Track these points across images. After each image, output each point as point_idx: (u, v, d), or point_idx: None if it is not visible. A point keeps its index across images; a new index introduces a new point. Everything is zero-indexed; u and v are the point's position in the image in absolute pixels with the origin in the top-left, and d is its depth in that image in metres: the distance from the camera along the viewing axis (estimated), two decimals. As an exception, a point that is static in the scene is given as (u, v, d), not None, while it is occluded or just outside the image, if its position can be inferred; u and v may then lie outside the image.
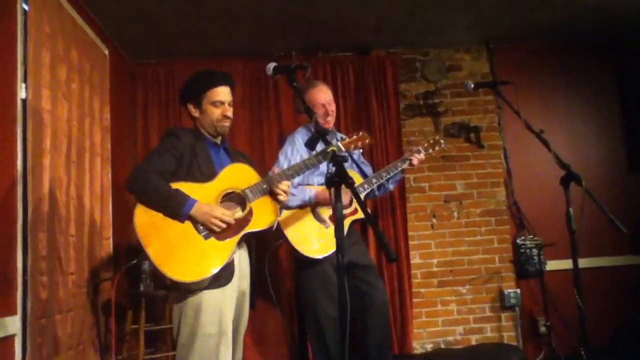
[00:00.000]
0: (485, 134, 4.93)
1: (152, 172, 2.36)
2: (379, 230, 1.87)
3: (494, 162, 4.92)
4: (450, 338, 4.65)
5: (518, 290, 4.68)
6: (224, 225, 2.35)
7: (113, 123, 4.10)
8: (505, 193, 4.89)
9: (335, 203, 1.94)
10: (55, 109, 3.13)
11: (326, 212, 3.26)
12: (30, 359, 2.68)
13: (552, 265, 4.65)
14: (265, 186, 2.50)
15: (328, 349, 3.18)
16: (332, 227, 3.13)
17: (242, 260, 2.52)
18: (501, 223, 4.83)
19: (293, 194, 3.18)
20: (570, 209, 2.76)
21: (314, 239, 3.19)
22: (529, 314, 4.72)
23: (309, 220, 3.25)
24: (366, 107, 4.77)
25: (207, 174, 2.46)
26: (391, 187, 3.66)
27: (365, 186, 3.37)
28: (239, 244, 2.45)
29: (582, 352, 2.90)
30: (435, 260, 4.75)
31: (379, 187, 3.51)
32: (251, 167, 2.59)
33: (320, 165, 3.17)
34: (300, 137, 3.38)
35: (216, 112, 2.57)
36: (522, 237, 4.75)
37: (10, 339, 2.64)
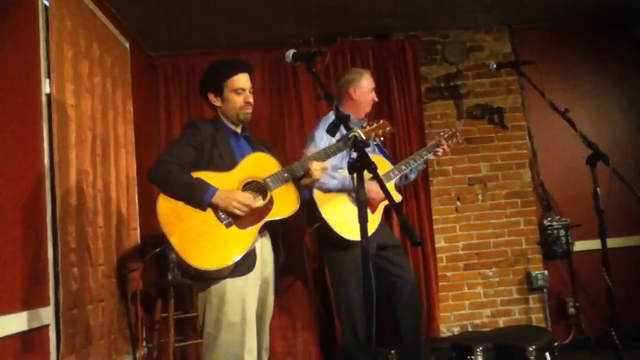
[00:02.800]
0: (508, 115, 4.86)
1: (172, 163, 2.38)
2: (403, 215, 1.86)
3: (519, 143, 4.86)
4: (477, 321, 4.63)
5: (545, 272, 4.63)
6: (246, 209, 2.36)
7: (136, 115, 4.15)
8: (531, 174, 4.82)
9: (358, 189, 1.94)
10: (79, 103, 3.18)
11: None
12: (64, 348, 2.75)
13: (579, 245, 4.59)
14: (286, 175, 2.50)
15: (357, 330, 3.21)
16: (368, 211, 3.21)
17: (264, 249, 2.53)
18: (527, 204, 4.78)
19: (334, 177, 3.22)
20: (598, 189, 2.72)
21: (350, 221, 3.18)
22: (557, 296, 4.68)
23: (346, 203, 3.27)
24: (387, 92, 4.73)
25: (228, 163, 2.47)
26: (412, 176, 3.71)
27: (395, 172, 3.42)
28: (260, 233, 2.47)
29: (613, 333, 2.88)
30: (460, 244, 4.72)
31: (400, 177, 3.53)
32: (272, 156, 2.60)
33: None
34: (326, 122, 3.38)
35: (239, 100, 2.58)
36: (549, 218, 4.69)
37: (44, 329, 2.71)
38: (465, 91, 4.88)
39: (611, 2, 4.63)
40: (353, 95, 3.47)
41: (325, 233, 3.22)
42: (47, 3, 2.93)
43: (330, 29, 4.70)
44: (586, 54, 4.98)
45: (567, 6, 4.64)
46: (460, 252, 4.71)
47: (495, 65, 3.20)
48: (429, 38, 4.94)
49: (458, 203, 4.77)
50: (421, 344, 3.40)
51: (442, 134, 3.62)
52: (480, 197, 4.79)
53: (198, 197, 2.34)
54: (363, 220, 1.89)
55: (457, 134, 3.67)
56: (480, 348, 3.89)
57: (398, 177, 3.45)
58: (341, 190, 3.25)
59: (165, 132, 4.67)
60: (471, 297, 4.67)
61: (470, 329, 4.61)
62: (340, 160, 3.27)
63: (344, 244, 3.17)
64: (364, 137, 2.49)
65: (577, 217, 4.44)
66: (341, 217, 3.20)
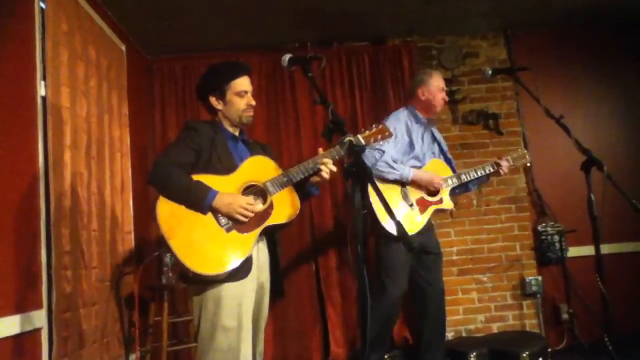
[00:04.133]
0: (503, 121, 4.88)
1: (172, 165, 2.37)
2: (397, 219, 1.86)
3: (513, 149, 4.84)
4: (471, 326, 4.64)
5: (539, 278, 4.64)
6: (249, 214, 2.36)
7: (131, 118, 4.14)
8: (525, 180, 4.84)
9: (353, 194, 1.94)
10: (74, 106, 3.17)
11: (414, 195, 3.36)
12: (56, 351, 2.73)
13: (573, 251, 4.61)
14: (285, 179, 2.49)
15: (392, 318, 3.36)
16: (416, 209, 3.32)
17: (260, 253, 2.52)
18: (521, 210, 4.79)
19: (393, 168, 3.28)
20: (592, 195, 2.73)
21: (408, 216, 3.27)
22: (551, 301, 4.68)
23: (397, 198, 3.32)
24: (383, 97, 4.74)
25: (227, 167, 2.46)
26: (473, 188, 3.72)
27: (454, 180, 3.46)
28: (259, 237, 2.46)
29: (606, 339, 2.89)
30: (455, 249, 4.72)
31: (459, 185, 3.56)
32: (271, 160, 2.59)
33: (416, 147, 3.41)
34: (404, 117, 3.49)
35: (242, 103, 2.57)
36: (543, 224, 4.71)
37: (37, 332, 2.70)
38: (460, 96, 4.90)
39: (606, 8, 4.65)
40: (422, 97, 3.52)
41: (375, 223, 3.22)
42: (43, 6, 2.93)
43: (327, 34, 4.71)
44: (582, 59, 4.99)
45: (563, 12, 4.67)
46: (455, 257, 4.72)
47: (490, 72, 3.21)
48: (425, 44, 4.96)
49: (453, 208, 4.76)
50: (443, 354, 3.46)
51: (511, 152, 3.64)
52: (475, 202, 4.80)
53: (198, 200, 2.32)
54: (360, 226, 1.89)
55: (527, 156, 3.67)
56: (474, 353, 3.89)
57: (455, 185, 3.48)
58: (398, 180, 3.30)
59: (161, 135, 4.66)
60: (465, 302, 4.67)
61: (464, 335, 4.61)
62: (402, 154, 3.37)
63: (391, 236, 3.20)
64: (362, 142, 2.51)
65: (572, 223, 4.45)
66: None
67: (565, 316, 4.55)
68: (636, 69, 4.99)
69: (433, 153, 3.56)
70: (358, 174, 1.96)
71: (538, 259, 4.71)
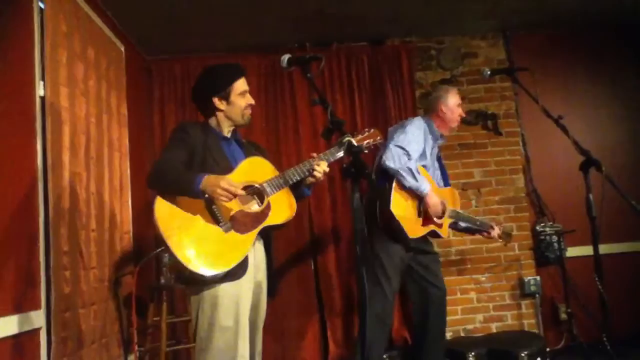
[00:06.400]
0: (502, 121, 4.89)
1: (165, 163, 2.38)
2: (396, 220, 1.87)
3: (512, 149, 4.88)
4: (470, 326, 4.64)
5: (538, 278, 4.65)
6: (230, 196, 2.29)
7: (130, 119, 4.14)
8: (524, 180, 4.85)
9: (352, 194, 1.95)
10: (73, 106, 3.17)
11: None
12: (55, 352, 2.73)
13: (572, 251, 4.61)
14: (282, 180, 2.50)
15: (386, 320, 3.33)
16: (420, 220, 3.29)
17: (257, 253, 2.53)
18: (520, 210, 4.80)
19: (415, 179, 3.23)
20: (590, 195, 2.73)
21: (413, 221, 3.26)
22: (550, 301, 4.69)
23: (412, 204, 3.28)
24: (382, 98, 4.75)
25: (223, 168, 2.46)
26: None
27: (455, 214, 3.53)
28: (256, 238, 2.46)
29: (605, 339, 2.89)
30: (453, 249, 4.73)
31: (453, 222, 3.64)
32: (268, 161, 2.60)
33: (428, 158, 3.44)
34: (422, 126, 3.49)
35: (243, 102, 2.61)
36: (542, 224, 4.71)
37: (35, 332, 2.70)
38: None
39: (605, 10, 4.66)
40: (441, 114, 3.54)
41: (392, 224, 3.11)
42: (42, 6, 2.93)
43: (326, 34, 4.71)
44: (581, 60, 5.01)
45: (562, 14, 4.68)
46: (454, 258, 4.72)
47: (489, 72, 3.21)
48: (424, 44, 4.96)
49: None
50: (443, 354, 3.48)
51: (500, 227, 3.78)
52: (473, 202, 4.80)
53: (189, 185, 2.28)
54: (359, 228, 1.89)
55: (511, 234, 3.91)
56: (473, 353, 3.90)
57: (454, 221, 3.57)
58: (411, 188, 3.24)
59: (160, 135, 4.66)
60: (464, 302, 4.67)
61: (462, 334, 4.62)
62: (414, 161, 3.31)
63: (398, 238, 3.15)
64: (356, 144, 2.50)
65: (570, 223, 4.45)
66: (405, 212, 3.18)
67: (563, 316, 4.54)
68: (634, 70, 5.01)
69: (435, 170, 3.59)
70: (357, 174, 1.96)
71: (537, 259, 4.72)
